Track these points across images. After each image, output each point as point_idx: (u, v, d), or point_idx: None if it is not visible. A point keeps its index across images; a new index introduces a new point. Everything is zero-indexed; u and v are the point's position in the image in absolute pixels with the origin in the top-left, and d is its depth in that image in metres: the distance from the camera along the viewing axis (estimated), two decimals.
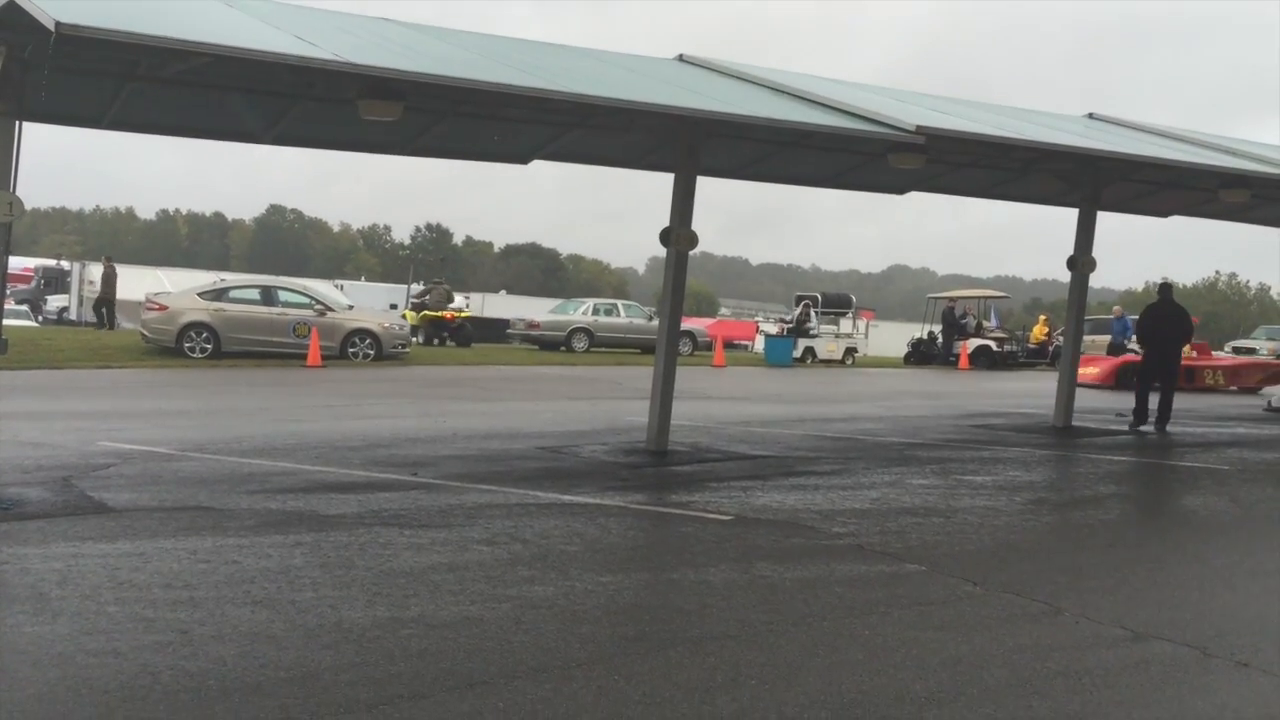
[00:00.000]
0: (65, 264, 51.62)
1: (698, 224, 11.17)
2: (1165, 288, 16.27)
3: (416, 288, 47.13)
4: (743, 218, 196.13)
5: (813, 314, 31.55)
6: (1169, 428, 15.35)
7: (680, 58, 13.00)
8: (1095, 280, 16.07)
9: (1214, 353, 29.14)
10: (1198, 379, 23.46)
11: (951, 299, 34.37)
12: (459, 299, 42.28)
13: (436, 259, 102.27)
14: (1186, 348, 18.31)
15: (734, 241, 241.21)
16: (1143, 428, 15.28)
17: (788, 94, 11.14)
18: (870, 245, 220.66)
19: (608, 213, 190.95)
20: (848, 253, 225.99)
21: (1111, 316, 32.25)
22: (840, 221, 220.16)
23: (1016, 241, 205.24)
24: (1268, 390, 21.81)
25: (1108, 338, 33.34)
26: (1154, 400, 15.48)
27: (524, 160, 13.21)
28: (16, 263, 43.52)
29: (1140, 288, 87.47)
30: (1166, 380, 15.49)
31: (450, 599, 5.72)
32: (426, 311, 30.34)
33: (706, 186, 11.50)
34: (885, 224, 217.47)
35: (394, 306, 45.05)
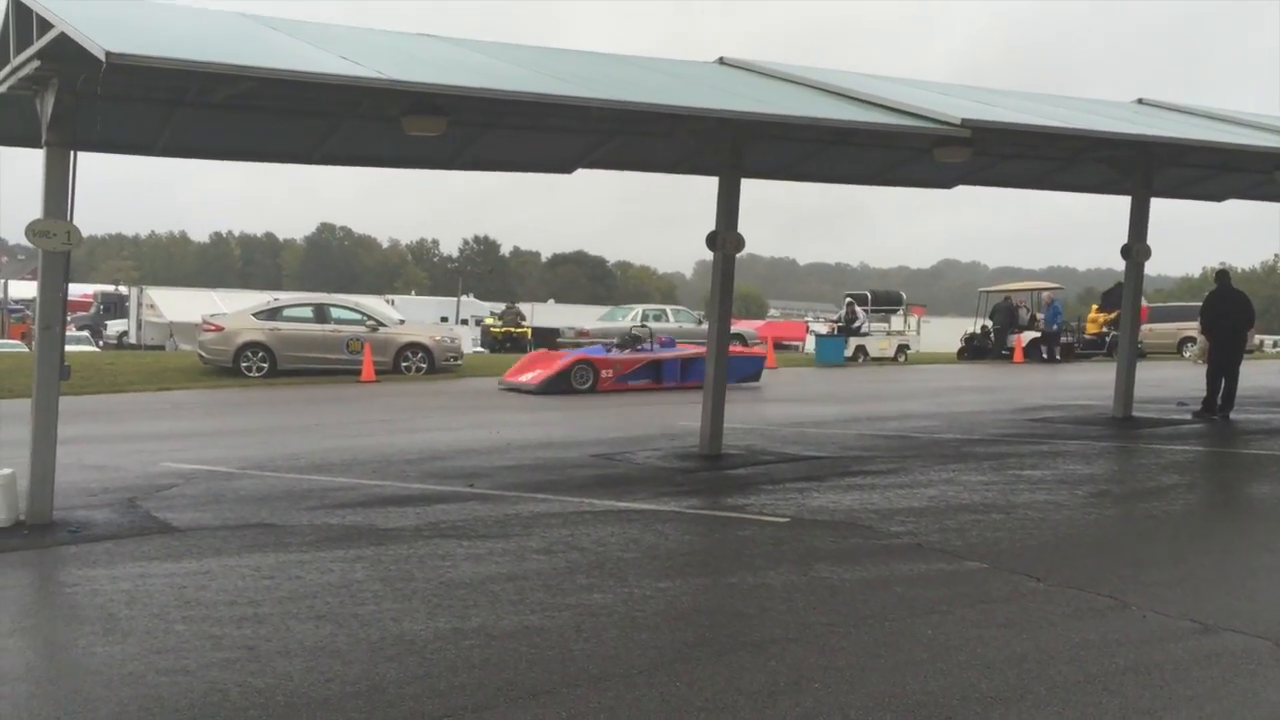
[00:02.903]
0: (123, 289, 52.65)
1: (750, 226, 11.14)
2: (1222, 274, 16.00)
3: (466, 299, 48.39)
4: (790, 218, 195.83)
5: (858, 311, 31.33)
6: (1232, 415, 15.06)
7: (721, 60, 12.97)
8: (1151, 268, 15.84)
9: None
10: None
11: (1005, 293, 34.00)
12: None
13: (484, 270, 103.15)
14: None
15: (781, 242, 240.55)
16: (1213, 416, 15.01)
17: (830, 92, 11.08)
18: (919, 241, 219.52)
19: (653, 218, 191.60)
20: (896, 249, 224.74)
21: (1045, 301, 31.73)
22: (888, 218, 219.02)
23: (1069, 232, 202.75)
24: None
25: (1170, 325, 32.82)
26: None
27: (568, 169, 13.26)
28: (76, 289, 44.49)
29: (1197, 274, 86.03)
30: (1229, 366, 15.19)
31: (510, 609, 5.75)
32: (495, 330, 37.12)
33: (756, 189, 11.46)
34: (934, 219, 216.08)
35: (444, 319, 45.50)
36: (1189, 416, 15.20)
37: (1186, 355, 29.92)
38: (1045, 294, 33.44)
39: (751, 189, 11.41)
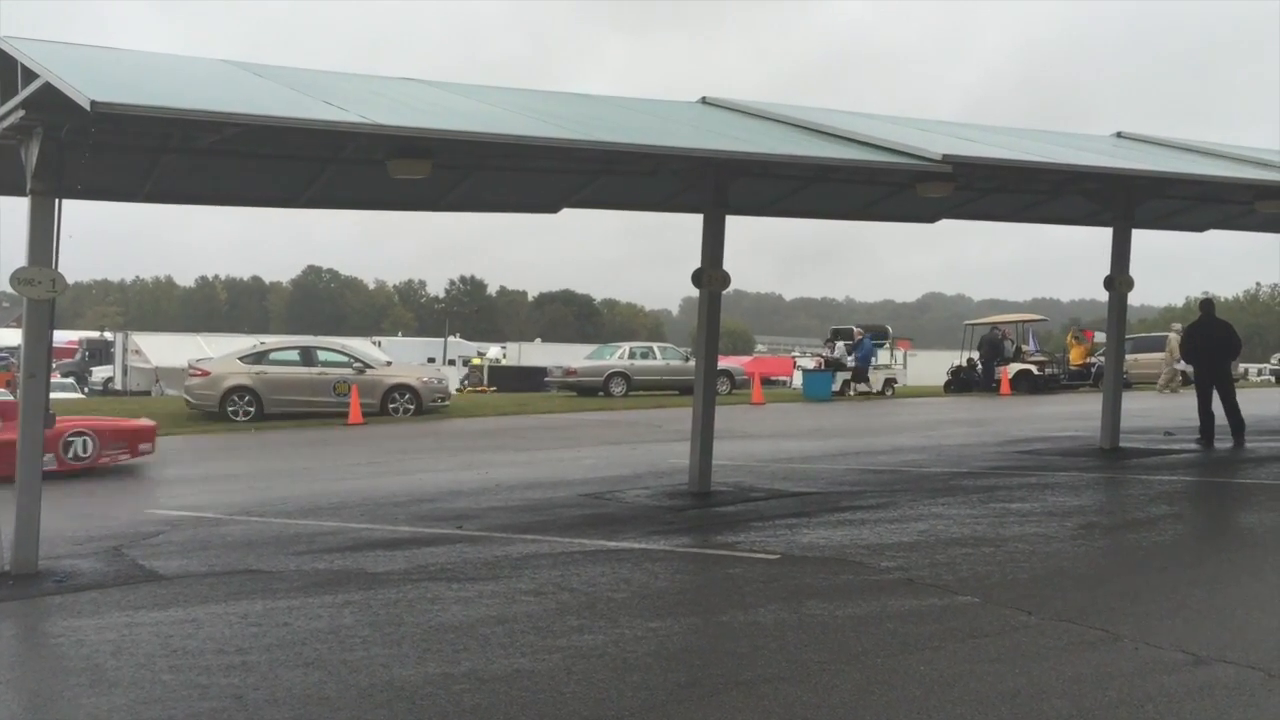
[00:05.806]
0: (109, 335, 52.54)
1: (737, 262, 11.19)
2: (1206, 303, 16.09)
3: (453, 339, 48.61)
4: (777, 254, 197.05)
5: (838, 345, 31.43)
6: (1217, 443, 15.08)
7: (704, 100, 13.09)
8: (1135, 298, 15.93)
9: None
10: None
11: (990, 324, 34.15)
12: (497, 350, 43.67)
13: (471, 310, 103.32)
14: None
15: (768, 278, 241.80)
16: (1207, 444, 15.04)
17: (811, 130, 11.17)
18: (905, 275, 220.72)
19: (640, 256, 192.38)
20: (882, 283, 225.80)
21: (855, 338, 31.39)
22: (874, 253, 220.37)
23: (1054, 264, 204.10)
24: None
25: (1157, 355, 32.89)
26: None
27: (553, 209, 13.32)
28: (60, 336, 44.38)
29: (1180, 303, 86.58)
30: (1223, 396, 15.22)
31: (500, 652, 5.71)
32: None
33: (742, 225, 11.54)
34: (919, 253, 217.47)
35: (431, 360, 45.53)
36: (1194, 446, 15.14)
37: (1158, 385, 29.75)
38: (855, 330, 32.53)
39: (737, 225, 11.49)
